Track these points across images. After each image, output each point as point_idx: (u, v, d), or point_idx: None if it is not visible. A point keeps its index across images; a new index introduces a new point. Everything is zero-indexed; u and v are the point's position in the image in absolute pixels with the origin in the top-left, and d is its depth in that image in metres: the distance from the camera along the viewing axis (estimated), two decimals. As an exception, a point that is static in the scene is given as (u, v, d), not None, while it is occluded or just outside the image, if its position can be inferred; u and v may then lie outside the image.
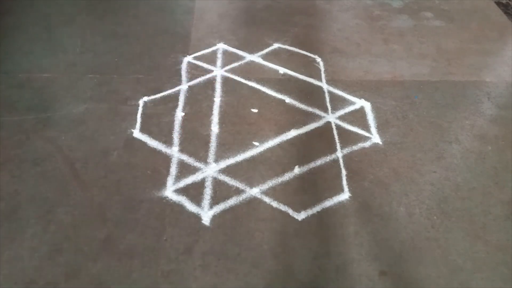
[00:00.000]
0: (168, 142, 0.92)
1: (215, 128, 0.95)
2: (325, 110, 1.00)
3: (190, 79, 1.07)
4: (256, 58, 1.14)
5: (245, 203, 0.81)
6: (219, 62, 1.12)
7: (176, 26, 1.25)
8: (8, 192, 0.81)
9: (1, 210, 0.78)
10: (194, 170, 0.86)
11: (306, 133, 0.95)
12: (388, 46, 1.21)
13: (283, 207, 0.81)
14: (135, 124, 0.95)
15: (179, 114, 0.98)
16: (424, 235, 0.77)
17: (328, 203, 0.82)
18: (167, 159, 0.88)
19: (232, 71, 1.09)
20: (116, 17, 1.28)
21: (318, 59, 1.14)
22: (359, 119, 0.98)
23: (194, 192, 0.82)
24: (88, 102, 1.00)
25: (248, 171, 0.87)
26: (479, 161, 0.90)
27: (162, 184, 0.83)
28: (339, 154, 0.91)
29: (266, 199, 0.82)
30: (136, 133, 0.93)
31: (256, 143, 0.92)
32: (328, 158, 0.90)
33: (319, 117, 0.99)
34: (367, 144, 0.93)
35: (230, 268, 0.71)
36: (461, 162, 0.90)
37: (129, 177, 0.84)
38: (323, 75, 1.10)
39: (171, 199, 0.81)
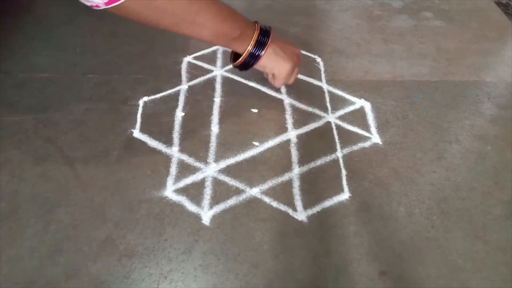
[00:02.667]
0: (168, 142, 0.92)
1: (215, 128, 0.95)
2: (325, 110, 1.00)
3: (190, 79, 1.07)
4: (256, 58, 1.14)
5: (245, 203, 0.81)
6: (219, 62, 1.12)
7: (176, 26, 1.25)
8: (8, 192, 0.81)
9: (1, 210, 0.78)
10: (194, 170, 0.86)
11: (306, 133, 0.95)
12: (388, 46, 1.21)
13: (283, 207, 0.81)
14: (135, 124, 0.95)
15: (179, 114, 0.98)
16: (424, 235, 0.77)
17: (328, 203, 0.82)
18: (167, 159, 0.88)
19: (232, 71, 1.09)
20: (116, 17, 1.28)
21: (318, 59, 1.14)
22: (359, 119, 0.98)
23: (194, 192, 0.82)
24: (88, 102, 1.00)
25: (248, 171, 0.87)
26: (479, 161, 0.90)
27: (162, 184, 0.83)
28: (339, 154, 0.91)
29: (266, 199, 0.82)
30: (136, 133, 0.93)
31: (256, 143, 0.92)
32: (328, 158, 0.90)
33: (319, 117, 0.99)
34: (367, 144, 0.93)
35: (230, 268, 0.71)
36: (461, 162, 0.90)
37: (129, 177, 0.84)
38: (323, 75, 1.10)
39: (171, 199, 0.81)
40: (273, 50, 0.79)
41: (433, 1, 1.40)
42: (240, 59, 0.79)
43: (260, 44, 0.77)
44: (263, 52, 0.77)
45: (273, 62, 0.81)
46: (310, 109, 1.00)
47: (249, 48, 0.77)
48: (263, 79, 1.07)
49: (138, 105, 0.99)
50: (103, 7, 0.58)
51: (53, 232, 0.75)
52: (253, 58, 0.78)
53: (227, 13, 0.72)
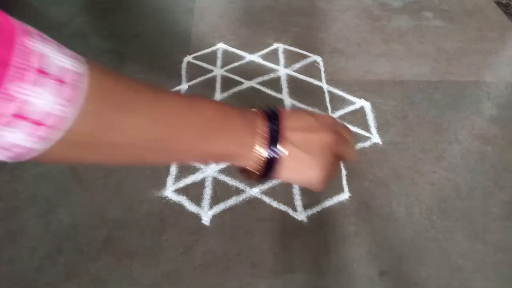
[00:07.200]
0: (168, 142, 0.92)
1: (215, 128, 0.95)
2: (325, 110, 1.00)
3: (190, 79, 1.07)
4: (256, 58, 1.14)
5: (245, 203, 0.81)
6: (219, 62, 1.12)
7: (176, 26, 1.25)
8: (8, 192, 0.81)
9: (1, 210, 0.78)
10: (194, 170, 0.86)
11: (306, 133, 0.95)
12: (388, 46, 1.21)
13: (283, 207, 0.81)
14: (135, 124, 0.95)
15: (179, 114, 0.98)
16: (424, 235, 0.77)
17: (328, 203, 0.82)
18: (167, 159, 0.88)
19: (232, 71, 1.09)
20: (116, 17, 1.28)
21: (318, 59, 1.14)
22: (359, 119, 0.98)
23: (194, 192, 0.82)
24: (88, 102, 1.00)
25: (248, 171, 0.87)
26: (479, 161, 0.90)
27: (162, 184, 0.83)
28: (339, 154, 0.91)
29: (266, 199, 0.82)
30: (136, 133, 0.93)
31: (256, 143, 0.92)
32: (328, 158, 0.90)
33: (319, 117, 0.98)
34: (367, 144, 0.93)
35: (230, 268, 0.71)
36: (461, 162, 0.90)
37: (129, 177, 0.84)
38: (323, 75, 1.10)
39: (171, 199, 0.81)
40: (291, 156, 0.46)
41: (433, 1, 1.39)
42: (252, 175, 0.58)
43: (272, 150, 0.46)
44: (277, 160, 0.45)
45: (296, 173, 0.48)
46: (310, 109, 1.00)
47: (259, 160, 0.45)
48: (263, 79, 1.07)
49: (138, 105, 0.99)
50: (12, 161, 0.38)
51: (53, 232, 0.75)
52: (268, 172, 0.46)
53: (214, 122, 0.42)
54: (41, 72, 0.31)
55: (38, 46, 0.30)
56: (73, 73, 0.33)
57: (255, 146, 0.44)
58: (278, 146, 0.45)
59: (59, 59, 0.32)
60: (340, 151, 0.54)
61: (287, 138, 0.46)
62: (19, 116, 0.31)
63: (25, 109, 0.31)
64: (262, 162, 0.45)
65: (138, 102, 0.38)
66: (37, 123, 0.31)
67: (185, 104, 0.42)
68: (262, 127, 0.45)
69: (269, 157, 0.46)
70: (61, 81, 0.32)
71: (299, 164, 0.48)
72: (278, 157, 0.45)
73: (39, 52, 0.31)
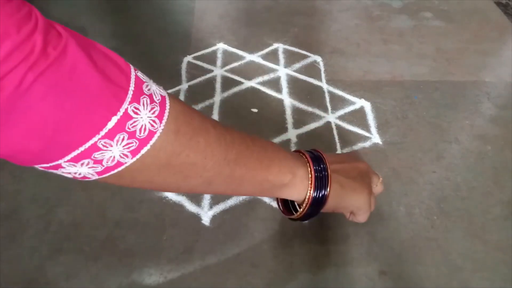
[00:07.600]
0: (168, 142, 0.92)
1: (215, 128, 0.95)
2: (325, 110, 1.00)
3: (190, 79, 1.07)
4: (256, 58, 1.14)
5: (245, 203, 0.81)
6: (219, 62, 1.12)
7: (176, 26, 1.25)
8: (8, 192, 0.81)
9: (1, 210, 0.78)
10: (194, 170, 0.86)
11: (306, 133, 0.95)
12: (388, 46, 1.21)
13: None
14: (135, 124, 0.95)
15: (179, 114, 0.98)
16: (424, 235, 0.77)
17: (328, 203, 0.82)
18: (167, 159, 0.88)
19: (232, 71, 1.09)
20: (116, 17, 1.28)
21: (318, 59, 1.14)
22: (359, 119, 0.98)
23: (194, 192, 0.82)
24: (88, 102, 1.00)
25: (248, 171, 0.86)
26: (479, 161, 0.90)
27: (162, 184, 0.83)
28: (339, 154, 0.91)
29: (266, 199, 0.82)
30: (136, 133, 0.93)
31: (256, 143, 0.92)
32: (328, 158, 0.90)
33: (319, 117, 0.99)
34: (367, 144, 0.93)
35: (230, 268, 0.71)
36: (461, 162, 0.90)
37: (129, 177, 0.84)
38: (323, 75, 1.10)
39: (171, 199, 0.81)
40: (337, 182, 0.54)
41: (433, 1, 1.40)
42: (301, 210, 0.55)
43: (320, 180, 0.52)
44: (327, 190, 0.52)
45: (344, 198, 0.56)
46: (310, 109, 1.00)
47: (309, 193, 0.51)
48: (263, 79, 1.07)
49: (138, 105, 0.99)
50: (95, 178, 0.37)
51: (53, 232, 0.75)
52: (318, 203, 0.53)
53: (272, 152, 0.49)
54: (147, 94, 0.38)
55: (141, 75, 0.38)
56: (159, 94, 0.39)
57: (307, 169, 0.52)
58: (327, 172, 0.52)
59: (152, 83, 0.39)
60: (372, 179, 0.62)
61: (331, 168, 0.53)
62: (125, 131, 0.34)
63: (129, 125, 0.35)
64: (314, 184, 0.51)
65: (210, 125, 0.42)
66: (133, 137, 0.34)
67: (247, 135, 0.48)
68: (309, 161, 0.52)
69: (318, 176, 0.52)
70: (153, 100, 0.37)
71: (343, 188, 0.55)
72: (327, 179, 0.52)
73: (144, 81, 0.37)
